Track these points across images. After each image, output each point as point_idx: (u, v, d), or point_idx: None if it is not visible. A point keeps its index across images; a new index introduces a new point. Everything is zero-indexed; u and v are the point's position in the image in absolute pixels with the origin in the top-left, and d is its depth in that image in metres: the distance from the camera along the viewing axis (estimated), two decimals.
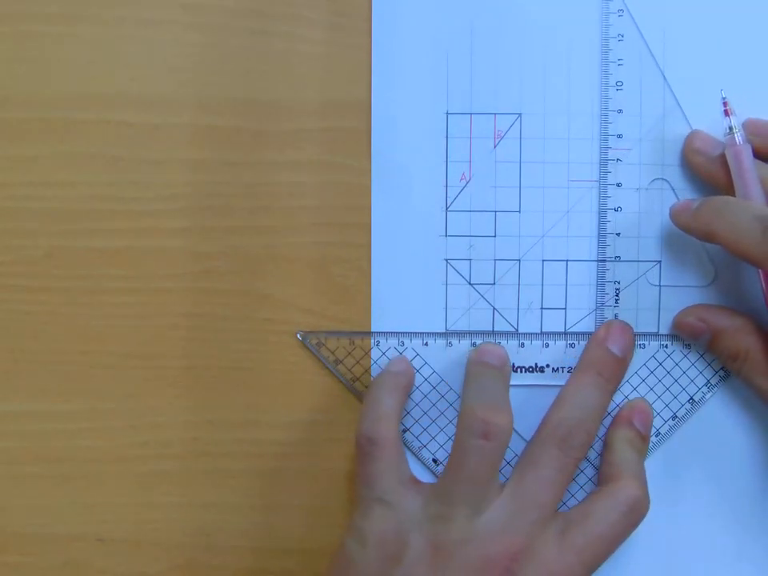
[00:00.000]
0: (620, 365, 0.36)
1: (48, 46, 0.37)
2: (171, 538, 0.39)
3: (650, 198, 0.37)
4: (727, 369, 0.37)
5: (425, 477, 0.37)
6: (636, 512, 0.34)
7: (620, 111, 0.36)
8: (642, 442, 0.37)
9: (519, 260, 0.37)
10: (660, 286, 0.37)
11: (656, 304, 0.37)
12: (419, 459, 0.38)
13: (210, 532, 0.39)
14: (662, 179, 0.37)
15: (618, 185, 0.37)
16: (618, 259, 0.37)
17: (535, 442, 0.35)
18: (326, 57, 0.37)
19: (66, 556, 0.39)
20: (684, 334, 0.37)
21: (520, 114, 0.37)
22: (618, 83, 0.36)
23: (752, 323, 0.36)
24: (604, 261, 0.37)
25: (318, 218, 0.37)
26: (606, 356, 0.36)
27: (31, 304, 0.38)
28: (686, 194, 0.36)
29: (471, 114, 0.37)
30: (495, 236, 0.37)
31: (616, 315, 0.37)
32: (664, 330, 0.37)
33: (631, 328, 0.37)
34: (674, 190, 0.36)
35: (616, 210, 0.37)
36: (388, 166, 0.37)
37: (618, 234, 0.37)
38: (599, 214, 0.37)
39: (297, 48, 0.37)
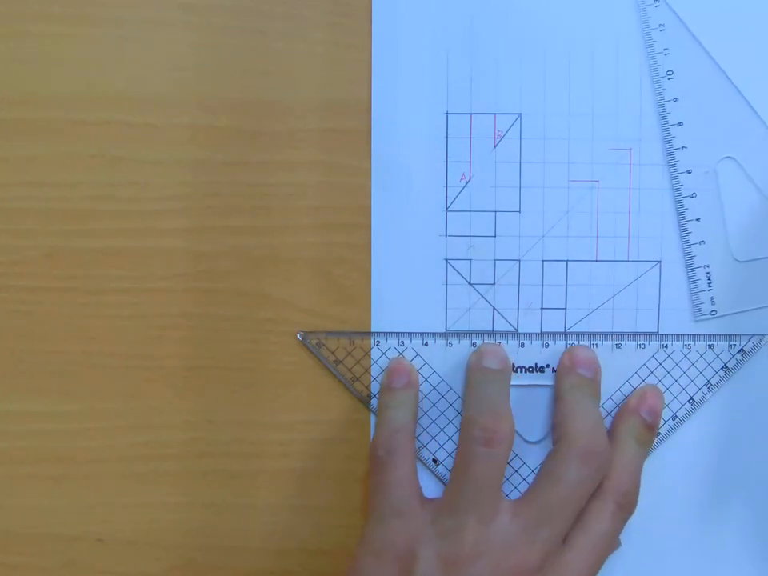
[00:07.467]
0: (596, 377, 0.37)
1: (48, 46, 0.37)
2: (171, 538, 0.39)
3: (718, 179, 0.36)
4: None
5: (425, 477, 0.37)
6: (624, 509, 0.34)
7: (676, 100, 0.36)
8: (649, 432, 0.36)
9: (519, 260, 0.37)
10: (659, 286, 0.37)
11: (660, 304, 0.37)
12: (419, 459, 0.38)
13: (209, 532, 0.39)
14: (730, 158, 0.36)
15: (689, 171, 0.36)
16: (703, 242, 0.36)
17: (555, 457, 0.35)
18: (326, 57, 0.37)
19: (66, 556, 0.39)
20: None
21: (520, 114, 0.37)
22: (669, 72, 0.36)
23: None
24: (689, 246, 0.37)
25: (318, 218, 0.37)
26: (581, 380, 0.36)
27: (31, 304, 0.38)
28: (754, 168, 0.36)
29: (471, 114, 0.37)
30: (495, 236, 0.37)
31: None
32: (664, 330, 0.37)
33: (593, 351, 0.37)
34: (742, 167, 0.36)
35: (691, 197, 0.36)
36: (388, 166, 0.37)
37: (698, 220, 0.36)
38: (675, 202, 0.36)
39: (297, 48, 0.37)
